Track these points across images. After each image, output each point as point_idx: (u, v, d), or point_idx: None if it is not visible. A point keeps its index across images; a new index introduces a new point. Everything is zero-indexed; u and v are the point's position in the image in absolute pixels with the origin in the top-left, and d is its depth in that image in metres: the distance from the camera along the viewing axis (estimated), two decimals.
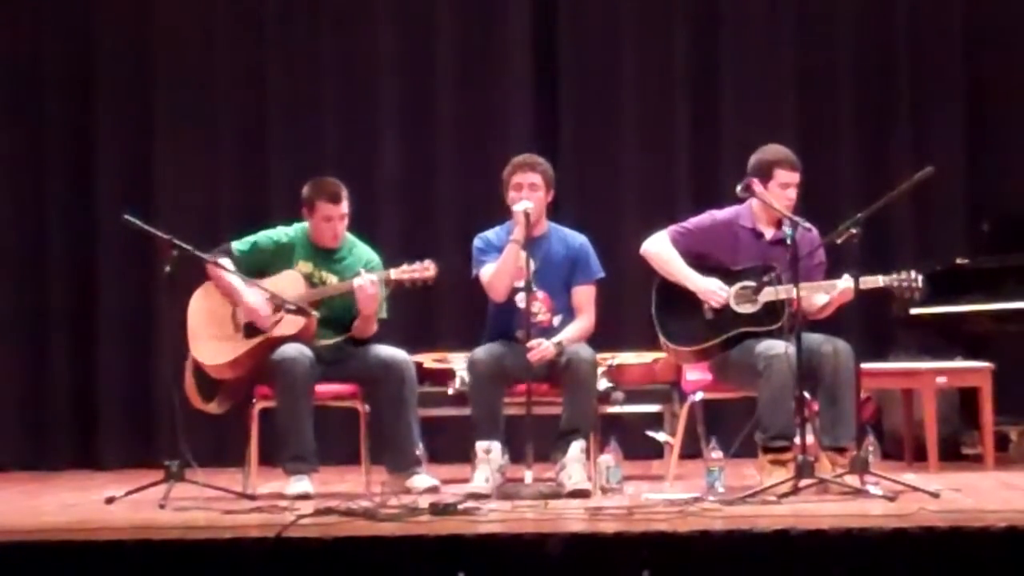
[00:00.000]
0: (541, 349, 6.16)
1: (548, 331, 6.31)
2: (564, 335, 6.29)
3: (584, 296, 6.45)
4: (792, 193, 6.21)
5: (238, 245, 6.49)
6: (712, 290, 6.21)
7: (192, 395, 6.41)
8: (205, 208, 8.25)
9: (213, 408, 6.45)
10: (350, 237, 6.60)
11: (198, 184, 8.39)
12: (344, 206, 6.47)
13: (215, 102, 8.44)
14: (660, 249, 6.34)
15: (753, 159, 6.29)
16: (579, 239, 6.52)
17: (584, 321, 6.40)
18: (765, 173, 6.22)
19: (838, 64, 8.36)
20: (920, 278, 6.03)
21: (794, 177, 6.23)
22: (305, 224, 6.54)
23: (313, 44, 8.46)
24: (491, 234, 6.50)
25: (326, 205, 6.44)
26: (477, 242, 6.50)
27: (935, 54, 8.35)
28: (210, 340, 6.38)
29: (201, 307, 6.44)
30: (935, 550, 4.77)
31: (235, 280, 6.37)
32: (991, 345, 7.35)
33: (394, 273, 6.38)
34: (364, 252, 6.61)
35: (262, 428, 6.43)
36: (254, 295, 6.34)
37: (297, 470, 6.21)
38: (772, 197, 6.18)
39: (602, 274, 6.50)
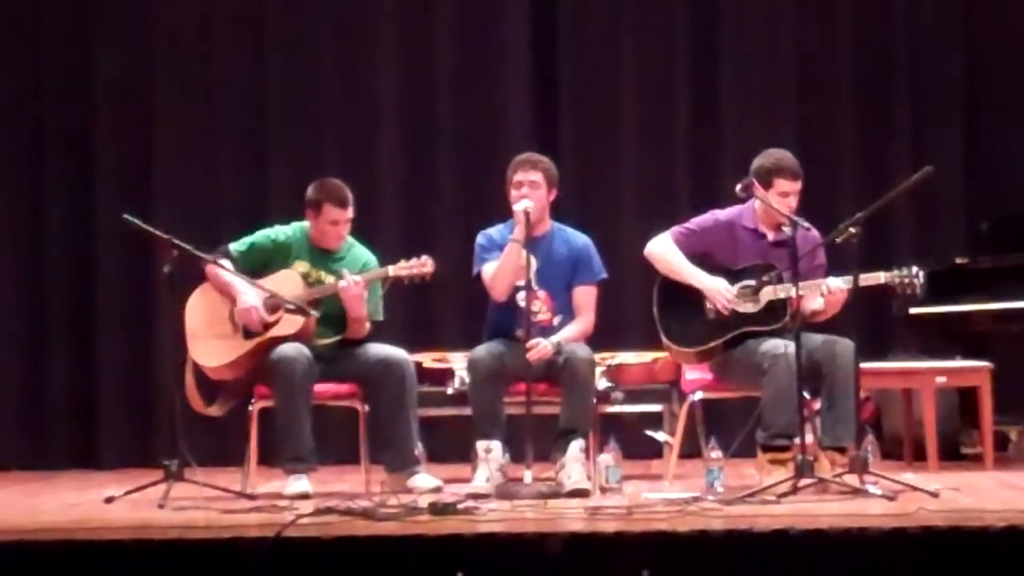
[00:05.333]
0: (540, 349, 6.15)
1: (548, 330, 6.31)
2: (563, 335, 6.29)
3: (585, 296, 6.45)
4: (793, 201, 6.19)
5: (236, 246, 6.49)
6: (718, 290, 6.21)
7: (193, 398, 6.40)
8: (205, 208, 8.25)
9: (214, 411, 6.44)
10: (349, 238, 6.60)
11: (198, 184, 8.39)
12: (350, 211, 6.47)
13: (215, 101, 8.45)
14: (665, 250, 6.34)
15: (756, 163, 6.28)
16: (582, 239, 6.51)
17: (583, 322, 6.40)
18: (765, 181, 6.21)
19: (838, 64, 8.37)
20: (921, 274, 6.02)
21: (795, 186, 6.21)
22: (304, 224, 6.54)
23: (313, 44, 8.47)
24: (494, 231, 6.49)
25: (333, 209, 6.44)
26: (480, 239, 6.49)
27: (935, 54, 8.35)
28: (208, 341, 6.37)
29: (199, 308, 6.43)
30: (934, 550, 4.76)
31: (234, 279, 6.37)
32: (990, 345, 7.35)
33: (392, 270, 6.38)
34: (362, 253, 6.61)
35: (261, 428, 6.43)
36: (251, 295, 6.33)
37: (295, 469, 6.20)
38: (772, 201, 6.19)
39: (604, 275, 6.49)
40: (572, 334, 6.32)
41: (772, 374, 5.98)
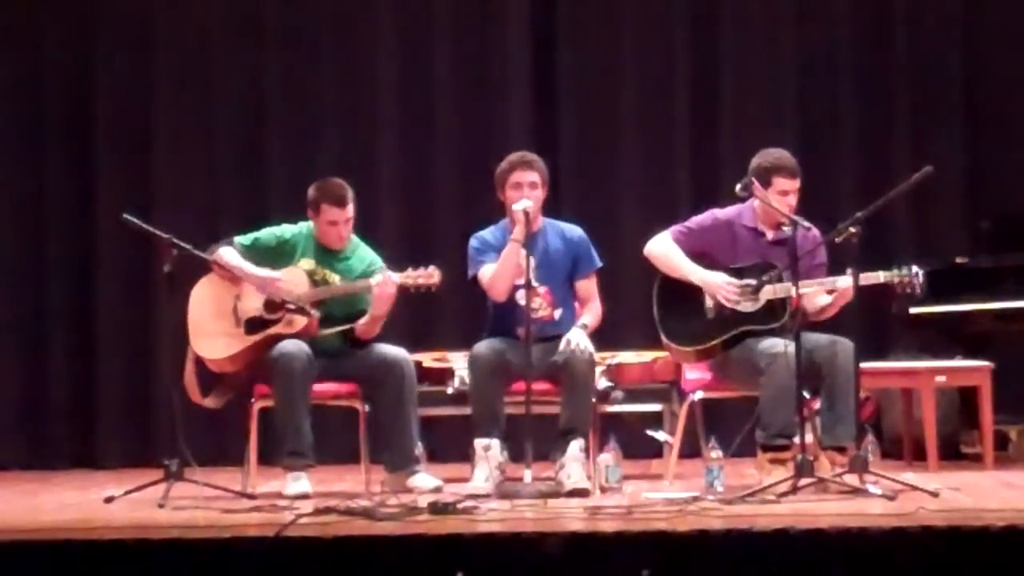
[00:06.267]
0: (576, 340, 6.16)
1: (549, 325, 6.32)
2: (584, 320, 6.35)
3: (589, 287, 6.49)
4: (792, 200, 6.20)
5: (240, 239, 6.49)
6: (719, 284, 6.20)
7: (191, 387, 6.41)
8: (205, 208, 8.26)
9: (209, 402, 6.45)
10: (354, 238, 6.60)
11: (198, 184, 8.40)
12: (350, 210, 6.46)
13: (215, 103, 8.45)
14: (664, 249, 6.34)
15: (754, 162, 6.28)
16: (577, 232, 6.53)
17: (595, 308, 6.45)
18: (764, 180, 6.21)
19: (838, 63, 8.36)
20: (920, 273, 6.01)
21: (793, 184, 6.22)
22: (311, 223, 6.54)
23: (313, 45, 8.47)
24: (487, 234, 6.50)
25: (331, 209, 6.43)
26: (474, 242, 6.49)
27: (935, 54, 8.35)
28: (211, 334, 6.38)
29: (203, 299, 6.44)
30: (934, 549, 4.76)
31: (242, 262, 6.36)
32: (991, 344, 7.35)
33: (398, 277, 6.36)
34: (367, 254, 6.60)
35: (261, 427, 6.43)
36: (263, 270, 6.33)
37: (294, 465, 6.21)
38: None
39: (600, 263, 6.51)
40: (591, 321, 6.38)
41: (770, 373, 5.98)
